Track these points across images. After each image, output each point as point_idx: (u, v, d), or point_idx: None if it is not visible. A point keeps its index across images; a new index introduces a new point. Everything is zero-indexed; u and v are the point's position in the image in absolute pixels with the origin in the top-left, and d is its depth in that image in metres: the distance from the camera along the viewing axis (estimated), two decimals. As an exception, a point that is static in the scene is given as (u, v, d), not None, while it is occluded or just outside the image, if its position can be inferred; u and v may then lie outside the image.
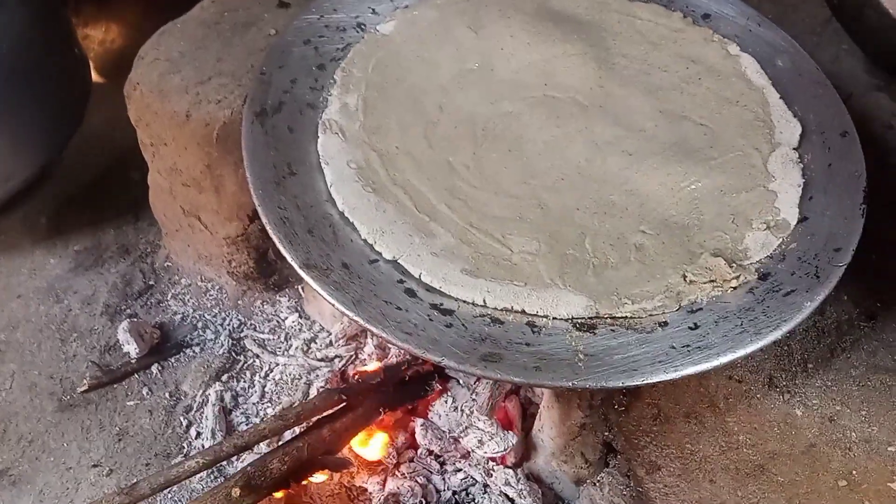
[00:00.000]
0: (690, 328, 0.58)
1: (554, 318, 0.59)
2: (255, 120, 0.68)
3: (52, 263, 1.06)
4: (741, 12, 0.81)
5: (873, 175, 0.69)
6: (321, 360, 0.93)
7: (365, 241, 0.63)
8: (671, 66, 0.78)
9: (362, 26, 0.78)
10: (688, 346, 0.57)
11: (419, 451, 0.83)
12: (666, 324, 0.59)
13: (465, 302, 0.60)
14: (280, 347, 0.97)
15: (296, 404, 0.82)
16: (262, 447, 0.80)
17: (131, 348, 0.96)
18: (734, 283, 0.60)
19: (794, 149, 0.71)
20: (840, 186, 0.67)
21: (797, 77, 0.76)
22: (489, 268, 0.62)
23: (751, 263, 0.63)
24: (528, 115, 0.74)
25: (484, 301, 0.60)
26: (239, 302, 1.00)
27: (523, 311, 0.60)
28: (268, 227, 0.61)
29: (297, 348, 0.95)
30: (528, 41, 0.79)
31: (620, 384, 0.54)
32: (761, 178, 0.69)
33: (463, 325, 0.58)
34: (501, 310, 0.60)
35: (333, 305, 0.58)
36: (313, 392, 0.90)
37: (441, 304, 0.60)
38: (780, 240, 0.64)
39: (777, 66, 0.77)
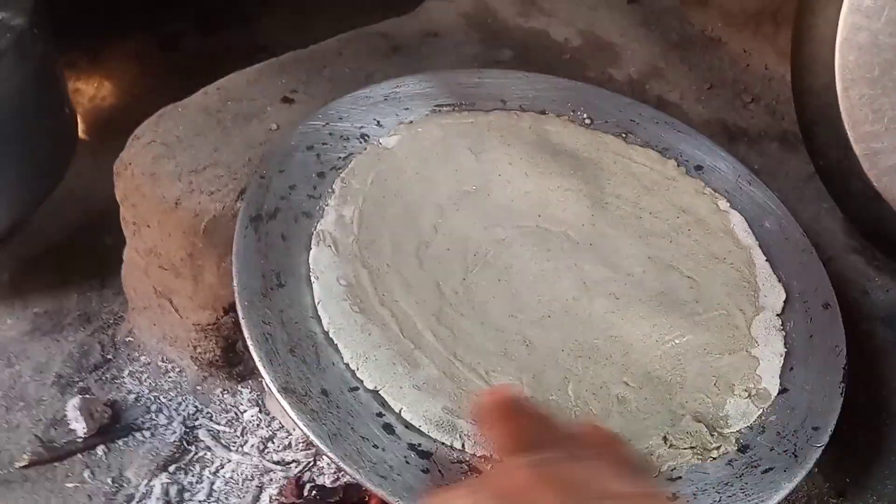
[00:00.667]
0: (669, 498, 0.57)
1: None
2: (249, 224, 0.67)
3: (9, 324, 1.01)
4: (733, 169, 0.84)
5: (847, 342, 0.70)
6: (277, 462, 0.89)
7: (347, 365, 0.62)
8: (662, 212, 0.80)
9: (365, 137, 0.78)
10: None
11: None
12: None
13: (443, 444, 0.59)
14: (235, 442, 0.93)
15: (248, 515, 0.78)
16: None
17: (79, 426, 0.91)
18: (714, 453, 0.60)
19: (777, 315, 0.72)
20: (820, 361, 0.68)
21: (783, 241, 0.78)
22: (468, 407, 0.61)
23: (731, 433, 0.63)
24: (519, 244, 0.75)
25: (463, 446, 0.59)
26: (198, 388, 0.97)
27: (501, 461, 0.58)
28: (249, 343, 0.60)
29: (252, 446, 0.92)
30: (526, 171, 0.80)
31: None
32: (744, 341, 0.70)
33: (440, 471, 0.57)
34: (480, 457, 0.59)
35: (308, 437, 0.56)
36: (264, 497, 0.86)
37: (419, 445, 0.58)
38: (761, 410, 0.64)
39: (764, 227, 0.79)
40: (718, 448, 0.60)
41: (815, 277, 0.75)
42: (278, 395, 0.57)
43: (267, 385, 0.57)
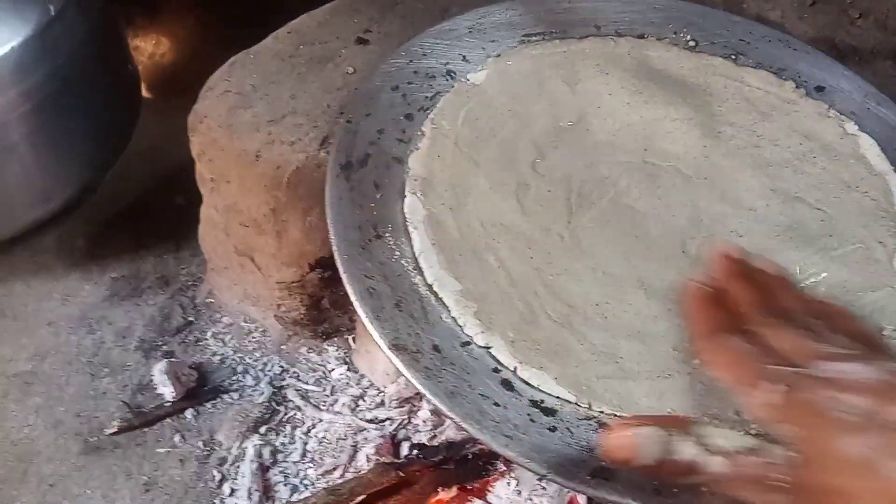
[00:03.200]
0: None
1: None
2: (340, 173, 0.62)
3: (87, 290, 1.00)
4: (858, 88, 0.75)
5: None
6: (370, 420, 0.86)
7: (455, 319, 0.57)
8: (783, 140, 0.72)
9: (452, 74, 0.72)
10: None
11: (477, 536, 0.77)
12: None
13: (567, 401, 0.54)
14: (325, 402, 0.90)
15: (347, 478, 0.76)
16: (309, 522, 0.74)
17: (167, 391, 0.89)
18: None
19: (921, 248, 0.65)
20: (978, 294, 0.61)
21: (921, 163, 0.70)
22: (589, 362, 0.56)
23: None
24: (625, 181, 0.68)
25: (589, 404, 0.54)
26: (283, 347, 0.94)
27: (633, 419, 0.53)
28: (353, 299, 0.55)
29: (343, 405, 0.89)
30: (628, 101, 0.73)
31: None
32: (888, 277, 0.63)
33: (568, 429, 0.52)
34: (609, 414, 0.54)
35: (425, 396, 0.52)
36: (360, 456, 0.84)
37: (542, 402, 0.53)
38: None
39: (899, 151, 0.71)
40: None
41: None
42: (389, 353, 0.53)
43: (377, 342, 0.53)
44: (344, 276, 0.56)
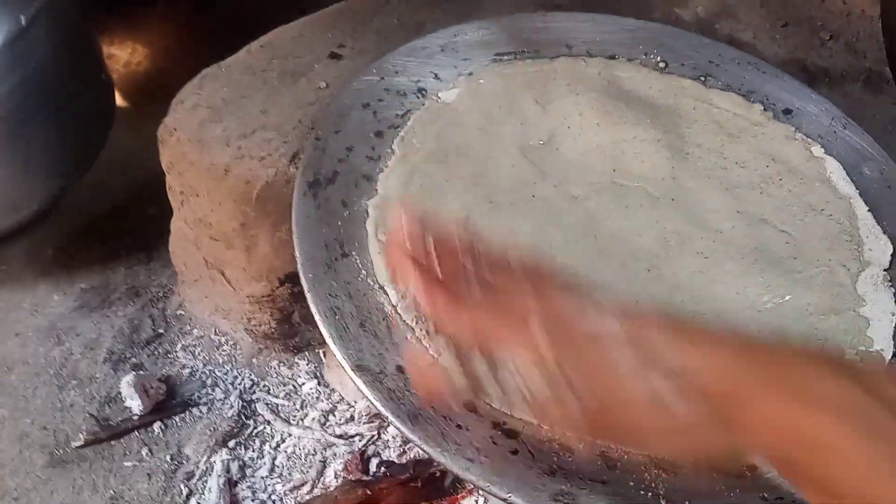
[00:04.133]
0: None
1: (629, 451, 0.53)
2: (307, 191, 0.62)
3: (56, 301, 0.99)
4: (825, 111, 0.76)
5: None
6: (339, 436, 0.86)
7: (420, 340, 0.57)
8: (750, 162, 0.73)
9: (423, 92, 0.72)
10: (781, 498, 0.51)
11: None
12: (755, 466, 0.53)
13: (529, 423, 0.54)
14: (294, 416, 0.90)
15: (314, 495, 0.75)
16: (275, 540, 0.73)
17: (134, 404, 0.89)
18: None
19: (884, 270, 0.66)
20: (937, 319, 0.62)
21: (886, 189, 0.71)
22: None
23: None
24: (594, 202, 0.69)
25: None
26: (253, 360, 0.94)
27: (595, 441, 0.54)
28: (317, 319, 0.55)
29: (313, 419, 0.88)
30: (598, 121, 0.73)
31: (711, 542, 0.48)
32: (851, 300, 0.64)
33: (530, 452, 0.52)
34: (570, 437, 0.54)
35: (387, 419, 0.52)
36: (329, 472, 0.83)
37: (504, 424, 0.53)
38: (876, 377, 0.58)
39: (864, 174, 0.72)
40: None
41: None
42: (352, 374, 0.53)
43: (340, 363, 0.53)
44: (308, 296, 0.56)
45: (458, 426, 0.52)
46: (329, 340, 0.54)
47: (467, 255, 0.47)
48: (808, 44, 1.00)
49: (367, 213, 0.63)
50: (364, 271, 0.60)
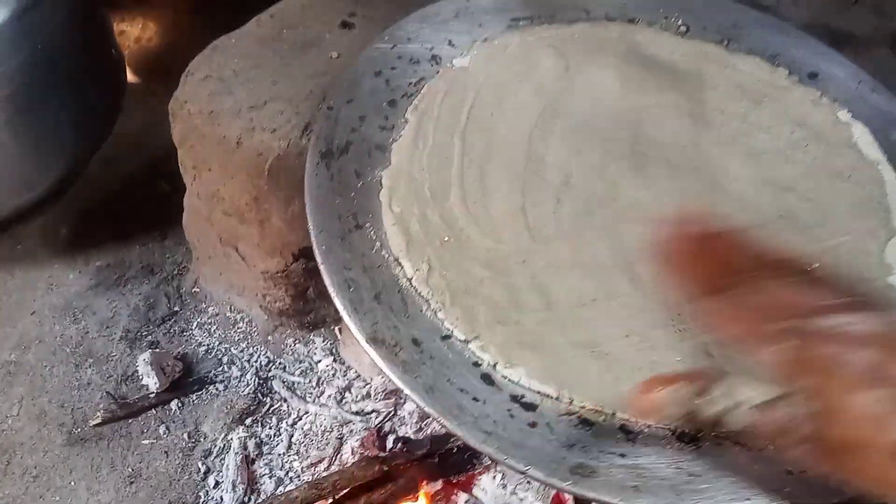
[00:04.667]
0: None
1: (650, 424, 0.52)
2: (320, 161, 0.60)
3: (71, 279, 0.98)
4: (852, 74, 0.74)
5: None
6: (356, 413, 0.85)
7: (435, 312, 0.56)
8: (774, 127, 0.71)
9: (437, 59, 0.70)
10: (805, 471, 0.49)
11: (462, 529, 0.76)
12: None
13: (548, 396, 0.53)
14: (311, 393, 0.89)
15: (331, 471, 0.75)
16: (292, 516, 0.73)
17: (151, 382, 0.88)
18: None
19: (914, 238, 0.63)
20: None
21: (918, 151, 0.69)
22: (572, 357, 0.55)
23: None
24: (614, 169, 0.67)
25: (570, 399, 0.52)
26: (269, 338, 0.93)
27: (614, 414, 0.52)
28: (331, 291, 0.54)
29: (329, 396, 0.88)
30: (618, 87, 0.71)
31: (734, 516, 0.47)
32: (879, 269, 0.62)
33: (548, 425, 0.51)
34: (590, 409, 0.52)
35: (403, 390, 0.50)
36: (346, 449, 0.83)
37: (522, 397, 0.52)
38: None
39: (892, 139, 0.70)
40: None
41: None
42: (367, 346, 0.51)
43: (354, 335, 0.52)
44: (322, 268, 0.55)
45: (475, 399, 0.51)
46: (343, 313, 0.53)
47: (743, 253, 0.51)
48: (833, 7, 0.97)
49: (381, 184, 0.61)
50: (378, 243, 0.58)
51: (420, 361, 0.52)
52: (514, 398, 0.52)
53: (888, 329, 0.42)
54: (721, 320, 0.49)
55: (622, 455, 0.50)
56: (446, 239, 0.59)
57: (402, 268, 0.57)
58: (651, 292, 0.59)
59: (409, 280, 0.57)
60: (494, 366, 0.54)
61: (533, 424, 0.51)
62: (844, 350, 0.42)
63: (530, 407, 0.52)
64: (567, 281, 0.59)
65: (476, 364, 0.54)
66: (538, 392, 0.53)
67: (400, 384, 0.50)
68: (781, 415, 0.43)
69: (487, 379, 0.53)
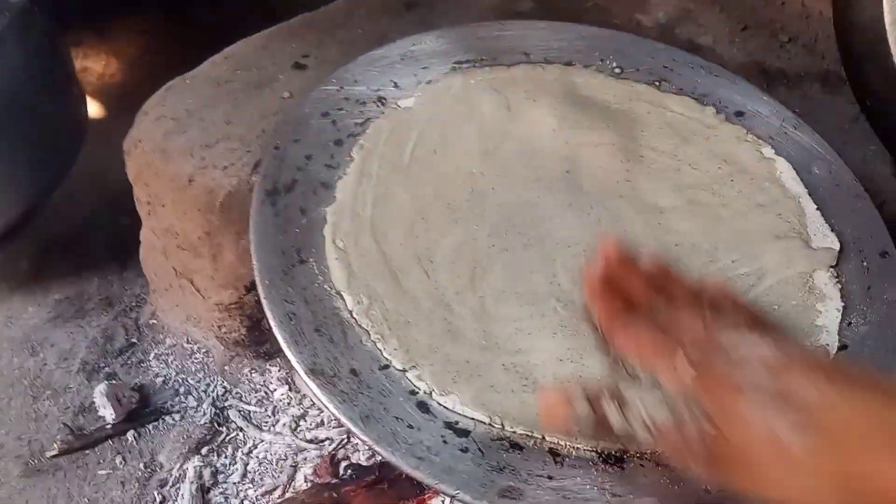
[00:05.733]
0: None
1: (577, 447, 0.55)
2: (265, 199, 0.63)
3: (31, 312, 1.00)
4: (776, 112, 0.78)
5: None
6: (310, 441, 0.87)
7: (375, 343, 0.58)
8: (702, 163, 0.75)
9: (383, 100, 0.74)
10: (722, 490, 0.52)
11: (415, 554, 0.78)
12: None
13: (481, 422, 0.55)
14: (266, 422, 0.91)
15: (282, 499, 0.76)
16: (244, 543, 0.74)
17: (107, 413, 0.89)
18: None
19: (831, 267, 0.67)
20: (880, 314, 0.64)
21: (834, 187, 0.73)
22: (506, 383, 0.58)
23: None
24: (550, 203, 0.70)
25: (502, 425, 0.55)
26: (226, 368, 0.95)
27: (544, 438, 0.55)
28: (272, 324, 0.57)
29: (284, 425, 0.89)
30: (554, 126, 0.75)
31: (652, 534, 0.50)
32: (803, 292, 0.66)
33: (480, 450, 0.53)
34: (521, 434, 0.55)
35: (340, 420, 0.53)
36: (299, 476, 0.84)
37: (457, 424, 0.55)
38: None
39: (813, 174, 0.74)
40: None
41: (871, 224, 0.70)
42: (306, 378, 0.54)
43: (293, 367, 0.54)
44: (264, 302, 0.57)
45: (410, 426, 0.54)
46: (283, 345, 0.55)
47: (657, 278, 0.55)
48: (767, 46, 1.02)
49: (326, 220, 0.64)
50: (321, 277, 0.61)
51: (358, 391, 0.55)
52: (448, 425, 0.55)
53: (786, 350, 0.46)
54: (627, 342, 0.53)
55: (549, 477, 0.53)
56: (386, 273, 0.62)
57: (344, 300, 0.60)
58: (584, 318, 0.62)
59: (350, 312, 0.60)
60: (430, 394, 0.56)
61: (465, 450, 0.53)
62: (743, 371, 0.45)
63: (463, 433, 0.55)
64: (503, 310, 0.62)
65: (413, 392, 0.56)
66: (471, 418, 0.56)
67: (336, 414, 0.53)
68: (676, 436, 0.46)
69: (423, 407, 0.56)
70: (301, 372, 0.54)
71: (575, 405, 0.48)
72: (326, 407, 0.53)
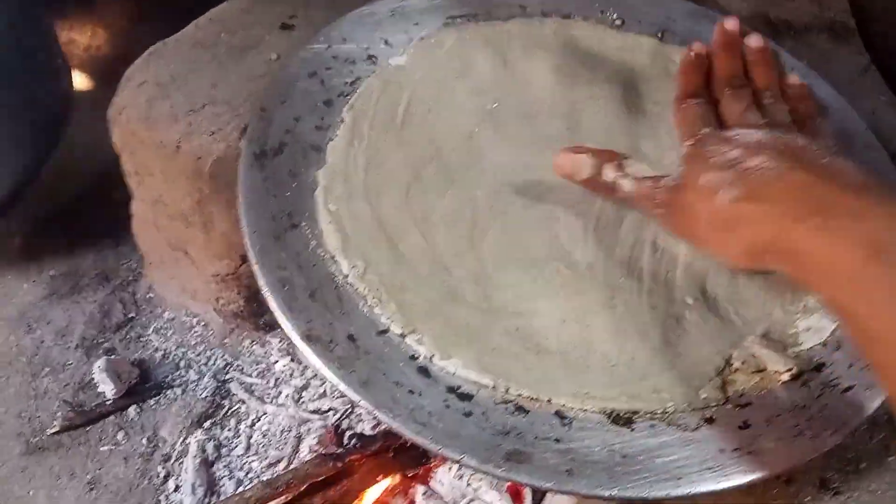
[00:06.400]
0: (740, 427, 0.52)
1: (585, 409, 0.53)
2: (253, 163, 0.61)
3: (25, 289, 0.98)
4: (785, 63, 0.75)
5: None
6: (313, 411, 0.86)
7: (372, 307, 0.57)
8: (707, 115, 0.72)
9: (374, 58, 0.71)
10: (738, 449, 0.50)
11: (418, 521, 0.77)
12: (712, 420, 0.53)
13: (484, 386, 0.54)
14: (269, 394, 0.89)
15: (286, 470, 0.75)
16: (247, 516, 0.73)
17: (107, 388, 0.88)
18: (786, 375, 0.54)
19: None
20: (896, 264, 0.61)
21: (846, 138, 0.70)
22: (508, 346, 0.56)
23: (803, 350, 0.57)
24: (549, 164, 0.67)
25: (506, 388, 0.53)
26: (226, 340, 0.93)
27: (550, 401, 0.53)
28: (264, 290, 0.55)
29: (287, 396, 0.88)
30: (553, 81, 0.72)
31: (665, 494, 0.48)
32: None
33: (483, 414, 0.52)
34: (526, 397, 0.53)
35: (337, 387, 0.51)
36: (304, 447, 0.83)
37: (459, 388, 0.53)
38: (835, 325, 0.58)
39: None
40: (790, 370, 0.54)
41: (884, 174, 0.68)
42: (301, 344, 0.52)
43: (288, 334, 0.52)
44: (255, 268, 0.55)
45: (411, 392, 0.52)
46: (277, 312, 0.54)
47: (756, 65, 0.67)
48: (772, -3, 0.99)
49: (317, 183, 0.62)
50: (314, 242, 0.59)
51: (355, 357, 0.53)
52: (451, 389, 0.53)
53: (768, 138, 0.53)
54: (675, 114, 0.64)
55: (557, 440, 0.51)
56: (382, 236, 0.60)
57: (338, 265, 0.58)
58: (587, 278, 0.60)
59: (345, 277, 0.58)
60: (431, 358, 0.55)
61: (468, 414, 0.52)
62: (722, 147, 0.53)
63: (466, 397, 0.53)
64: (503, 273, 0.60)
65: (413, 357, 0.55)
66: (474, 382, 0.54)
67: (334, 380, 0.51)
68: (649, 185, 0.57)
69: (424, 371, 0.54)
70: (296, 339, 0.52)
71: (581, 164, 0.60)
72: (323, 374, 0.51)
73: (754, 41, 0.67)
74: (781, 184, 0.48)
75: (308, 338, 0.53)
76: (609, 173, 0.59)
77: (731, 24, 0.67)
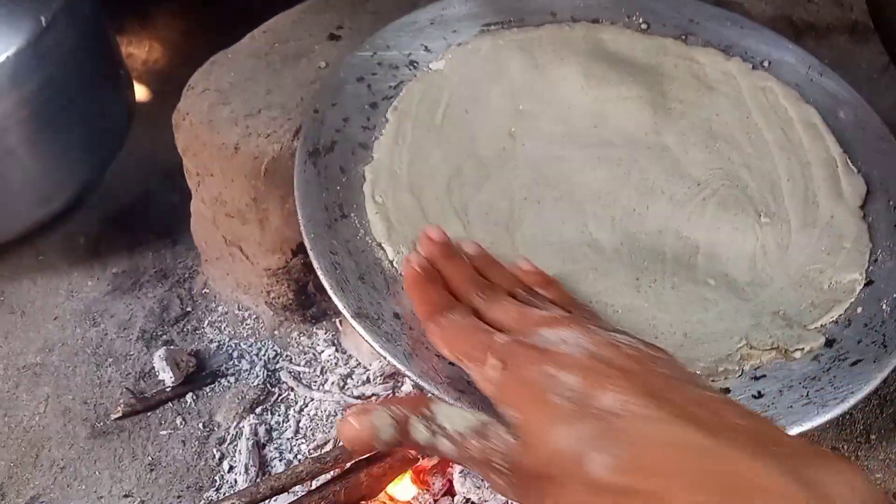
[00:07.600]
0: (754, 396, 0.56)
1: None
2: (307, 160, 0.67)
3: (90, 286, 1.05)
4: (802, 60, 0.79)
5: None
6: (357, 397, 0.91)
7: (416, 289, 0.62)
8: (729, 112, 0.76)
9: (415, 64, 0.77)
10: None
11: (456, 499, 0.81)
12: (728, 391, 0.57)
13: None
14: (315, 381, 0.95)
15: (333, 447, 0.80)
16: (298, 489, 0.78)
17: (167, 376, 0.95)
18: (799, 352, 0.58)
19: (859, 207, 0.69)
20: (908, 250, 0.65)
21: (860, 131, 0.74)
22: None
23: (816, 327, 0.60)
24: (579, 160, 0.72)
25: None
26: (275, 332, 0.99)
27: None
28: (319, 273, 0.60)
29: (333, 383, 0.94)
30: (582, 84, 0.77)
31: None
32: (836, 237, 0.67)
33: (518, 383, 0.56)
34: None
35: (385, 358, 0.56)
36: (349, 430, 0.89)
37: (495, 361, 0.58)
38: (847, 304, 0.62)
39: (839, 119, 0.75)
40: (803, 346, 0.58)
41: (897, 165, 0.71)
42: (352, 321, 0.57)
43: (341, 311, 0.58)
44: (311, 253, 0.61)
45: (451, 363, 0.57)
46: (330, 292, 0.59)
47: (481, 265, 0.58)
48: (794, 0, 1.02)
49: (364, 178, 0.68)
50: (362, 230, 0.64)
51: (401, 332, 0.58)
52: (487, 362, 0.58)
53: (595, 350, 0.42)
54: (440, 339, 0.51)
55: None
56: (424, 224, 0.65)
57: (384, 251, 0.63)
58: (614, 260, 0.64)
59: (391, 262, 0.63)
60: (469, 335, 0.59)
61: (503, 383, 0.56)
62: (551, 373, 0.41)
63: (501, 369, 0.57)
64: (536, 258, 0.64)
65: (453, 334, 0.59)
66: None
67: (381, 352, 0.56)
68: (478, 447, 0.42)
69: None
70: (348, 315, 0.58)
71: (378, 427, 0.44)
72: (372, 346, 0.56)
73: (471, 248, 0.60)
74: (663, 449, 0.36)
75: (358, 315, 0.58)
76: (421, 431, 0.44)
77: (435, 233, 0.60)
